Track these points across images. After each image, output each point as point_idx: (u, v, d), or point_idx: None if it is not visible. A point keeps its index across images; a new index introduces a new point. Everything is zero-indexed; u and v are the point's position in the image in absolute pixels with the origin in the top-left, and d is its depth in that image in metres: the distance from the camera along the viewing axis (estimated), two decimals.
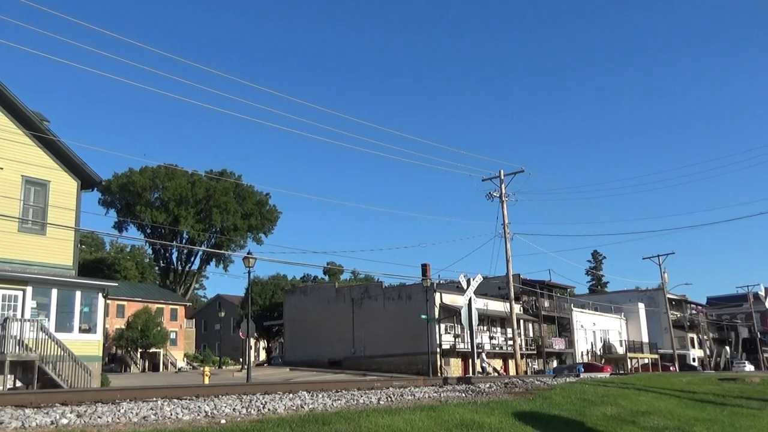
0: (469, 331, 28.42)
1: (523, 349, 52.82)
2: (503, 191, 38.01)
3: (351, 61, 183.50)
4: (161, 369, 73.03)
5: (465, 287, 25.70)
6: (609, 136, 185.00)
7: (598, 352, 65.71)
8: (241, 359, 71.21)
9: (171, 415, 8.81)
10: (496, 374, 46.13)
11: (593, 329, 67.57)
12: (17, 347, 23.71)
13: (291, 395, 12.25)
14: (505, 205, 37.74)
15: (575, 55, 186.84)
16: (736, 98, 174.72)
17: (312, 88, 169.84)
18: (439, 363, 48.06)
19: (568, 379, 22.51)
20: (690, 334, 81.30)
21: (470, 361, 41.85)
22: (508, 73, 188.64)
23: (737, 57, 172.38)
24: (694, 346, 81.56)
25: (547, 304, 63.35)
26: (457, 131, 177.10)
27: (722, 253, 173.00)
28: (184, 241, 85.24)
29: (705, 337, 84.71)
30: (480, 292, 39.95)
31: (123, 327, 71.00)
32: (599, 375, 32.82)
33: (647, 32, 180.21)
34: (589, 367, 47.34)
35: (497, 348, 54.60)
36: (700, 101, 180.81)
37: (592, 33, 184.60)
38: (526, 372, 46.40)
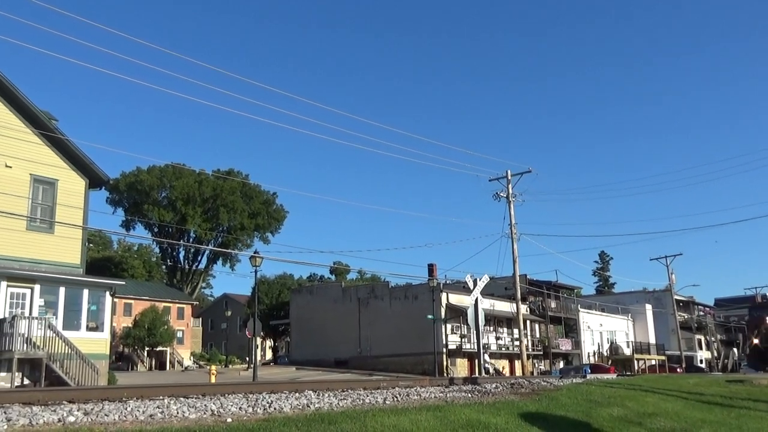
0: (475, 332, 28.34)
1: (530, 350, 52.72)
2: (510, 191, 37.93)
3: (356, 61, 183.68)
4: (168, 367, 73.24)
5: (471, 287, 25.58)
6: (617, 137, 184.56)
7: (605, 354, 65.46)
8: (247, 358, 71.36)
9: (177, 413, 8.83)
10: (495, 374, 46.08)
11: (600, 330, 67.34)
12: (25, 345, 23.82)
13: (297, 394, 12.26)
14: (512, 206, 37.68)
15: (583, 55, 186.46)
16: (747, 98, 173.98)
17: (317, 88, 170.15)
18: (445, 363, 48.05)
19: (574, 380, 22.44)
20: (697, 336, 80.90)
21: (476, 361, 41.80)
22: (515, 73, 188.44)
23: (747, 55, 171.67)
24: (701, 348, 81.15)
25: (553, 304, 63.20)
26: (465, 131, 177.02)
27: (730, 254, 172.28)
28: (191, 240, 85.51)
29: (712, 338, 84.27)
30: (486, 293, 39.87)
31: (130, 325, 71.22)
32: (606, 376, 32.72)
33: (654, 33, 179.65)
34: (595, 368, 47.19)
35: (504, 348, 54.51)
36: (712, 101, 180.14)
37: (600, 33, 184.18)
38: (532, 373, 46.29)
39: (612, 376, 35.40)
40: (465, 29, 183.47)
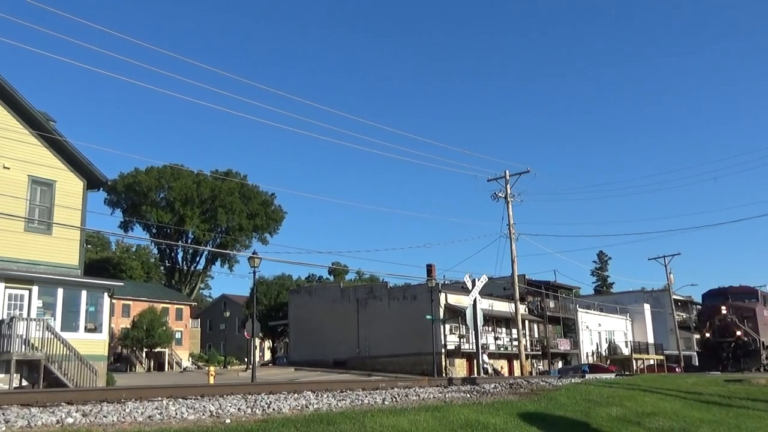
0: (474, 332, 28.41)
1: (528, 350, 52.77)
2: (508, 191, 37.97)
3: (356, 61, 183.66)
4: (166, 368, 73.23)
5: (470, 288, 25.63)
6: (615, 137, 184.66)
7: (604, 353, 65.50)
8: (246, 359, 71.34)
9: (176, 414, 8.82)
10: (494, 374, 46.08)
11: (598, 330, 67.36)
12: (23, 346, 23.80)
13: (296, 395, 12.25)
14: (510, 206, 37.72)
15: (581, 55, 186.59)
16: (745, 98, 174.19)
17: (316, 88, 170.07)
18: (443, 363, 48.06)
19: (573, 380, 22.45)
20: (696, 335, 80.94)
21: (475, 361, 41.82)
22: (513, 73, 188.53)
23: (747, 55, 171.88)
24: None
25: (552, 304, 63.24)
26: (463, 131, 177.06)
27: (728, 253, 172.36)
28: (189, 240, 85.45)
29: None
30: (485, 293, 39.94)
31: (128, 326, 71.22)
32: (604, 376, 32.73)
33: (654, 33, 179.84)
34: (594, 368, 47.21)
35: (502, 348, 54.52)
36: (708, 101, 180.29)
37: (600, 33, 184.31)
38: (531, 373, 46.32)
39: (611, 375, 35.43)
40: (465, 29, 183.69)
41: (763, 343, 38.54)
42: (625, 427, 11.00)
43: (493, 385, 17.43)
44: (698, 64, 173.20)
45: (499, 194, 38.09)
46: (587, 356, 63.06)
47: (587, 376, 30.50)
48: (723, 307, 38.21)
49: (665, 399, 15.69)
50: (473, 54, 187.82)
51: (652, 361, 64.80)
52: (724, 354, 37.13)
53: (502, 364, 54.01)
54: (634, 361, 62.45)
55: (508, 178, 38.34)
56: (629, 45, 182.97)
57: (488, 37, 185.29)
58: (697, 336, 43.04)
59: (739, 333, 36.97)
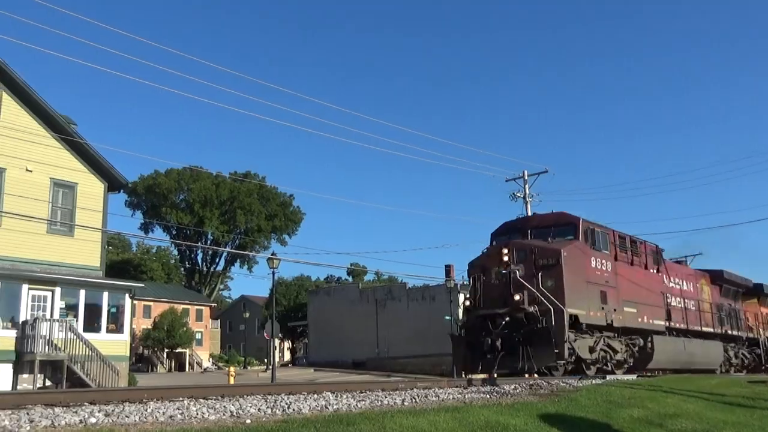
0: None
1: None
2: (527, 192, 37.78)
3: (377, 63, 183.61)
4: (187, 369, 73.76)
5: None
6: (617, 137, 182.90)
7: None
8: (265, 360, 71.65)
9: (197, 414, 8.86)
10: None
11: None
12: (46, 347, 24.11)
13: (315, 396, 12.26)
14: (528, 206, 37.50)
15: (597, 53, 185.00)
16: (752, 99, 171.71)
17: (336, 89, 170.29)
18: None
19: (593, 381, 22.27)
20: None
21: None
22: (530, 72, 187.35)
23: (756, 56, 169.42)
24: None
25: None
26: (481, 131, 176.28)
27: (733, 254, 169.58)
28: (208, 242, 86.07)
29: None
30: None
31: (149, 327, 71.83)
32: (625, 377, 32.40)
33: (664, 30, 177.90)
34: None
35: None
36: (716, 101, 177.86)
37: (608, 31, 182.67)
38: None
39: (632, 376, 35.05)
40: (484, 28, 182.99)
41: (576, 317, 20.07)
42: (647, 428, 10.88)
43: (513, 386, 17.32)
44: (698, 64, 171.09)
45: (518, 194, 37.91)
46: None
47: (608, 376, 30.24)
48: (504, 250, 20.08)
49: (687, 400, 15.51)
50: (493, 53, 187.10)
51: None
52: (490, 340, 19.72)
53: None
54: None
55: (526, 178, 38.15)
56: (648, 43, 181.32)
57: (503, 36, 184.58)
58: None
59: (518, 297, 19.47)
